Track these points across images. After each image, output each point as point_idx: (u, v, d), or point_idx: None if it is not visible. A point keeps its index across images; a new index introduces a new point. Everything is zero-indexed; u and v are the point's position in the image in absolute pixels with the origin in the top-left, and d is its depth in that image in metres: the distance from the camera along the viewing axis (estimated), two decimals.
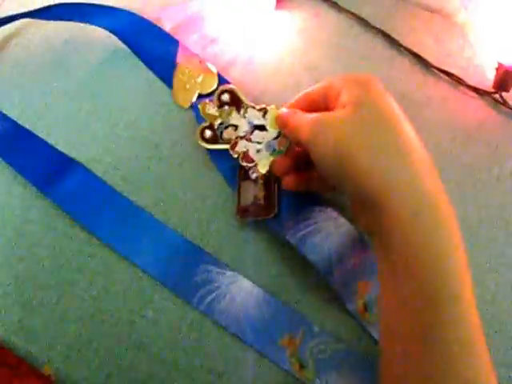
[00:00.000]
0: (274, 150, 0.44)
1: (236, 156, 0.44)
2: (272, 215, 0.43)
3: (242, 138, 0.45)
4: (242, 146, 0.44)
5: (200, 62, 0.50)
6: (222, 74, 0.50)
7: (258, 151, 0.44)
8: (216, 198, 0.46)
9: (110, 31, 0.52)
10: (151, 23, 0.52)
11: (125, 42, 0.52)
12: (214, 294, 0.43)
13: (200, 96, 0.49)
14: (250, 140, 0.44)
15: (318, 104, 0.39)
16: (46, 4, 0.52)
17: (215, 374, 0.41)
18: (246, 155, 0.44)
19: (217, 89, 0.46)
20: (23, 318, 0.43)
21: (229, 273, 0.44)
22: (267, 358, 0.41)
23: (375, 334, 0.42)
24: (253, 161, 0.44)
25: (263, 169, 0.44)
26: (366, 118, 0.35)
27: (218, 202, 0.46)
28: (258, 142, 0.44)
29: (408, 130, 0.36)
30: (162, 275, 0.44)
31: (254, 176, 0.45)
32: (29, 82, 0.52)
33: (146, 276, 0.44)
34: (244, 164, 0.44)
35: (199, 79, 0.50)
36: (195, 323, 0.42)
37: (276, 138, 0.44)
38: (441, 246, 0.33)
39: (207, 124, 0.45)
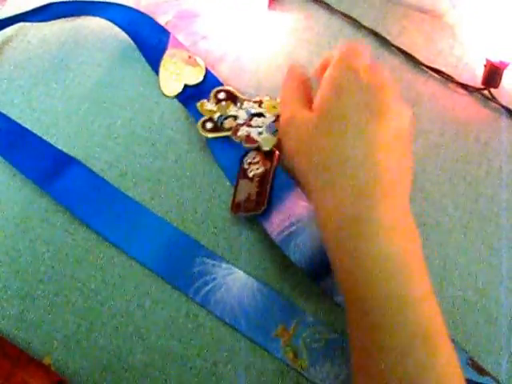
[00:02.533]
0: (276, 130, 0.45)
1: (239, 140, 0.45)
2: (260, 211, 0.44)
3: (242, 124, 0.46)
4: (243, 131, 0.46)
5: (189, 55, 0.51)
6: (212, 70, 0.51)
7: (260, 133, 0.45)
8: (211, 193, 0.48)
9: (108, 20, 0.53)
10: (145, 14, 0.54)
11: (123, 29, 0.53)
12: (210, 286, 0.44)
13: (186, 86, 0.51)
14: (250, 125, 0.46)
15: None
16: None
17: (210, 362, 0.42)
18: (248, 138, 0.45)
19: (203, 81, 0.47)
20: (24, 310, 0.44)
21: (224, 265, 0.45)
22: (261, 348, 0.42)
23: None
24: (256, 141, 0.45)
25: (267, 146, 0.44)
26: (326, 131, 0.35)
27: (214, 196, 0.47)
28: (259, 126, 0.45)
29: (383, 159, 0.34)
30: (159, 268, 0.45)
31: (251, 174, 0.46)
32: (28, 84, 0.53)
33: (143, 268, 0.45)
34: (248, 146, 0.45)
35: (186, 70, 0.51)
36: (191, 314, 0.43)
37: (275, 120, 0.45)
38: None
39: (206, 118, 0.46)
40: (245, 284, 0.44)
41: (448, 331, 0.39)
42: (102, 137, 0.50)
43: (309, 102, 0.39)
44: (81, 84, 0.52)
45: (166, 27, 0.53)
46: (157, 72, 0.52)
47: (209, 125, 0.46)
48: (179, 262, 0.45)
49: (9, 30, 0.55)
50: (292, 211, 0.43)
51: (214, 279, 0.44)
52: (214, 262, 0.45)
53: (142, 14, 0.54)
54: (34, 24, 0.56)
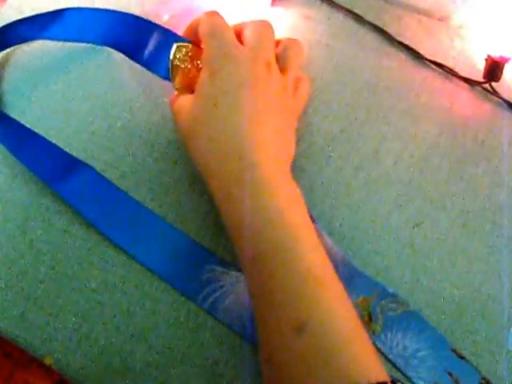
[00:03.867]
0: None
1: None
2: None
3: None
4: None
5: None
6: None
7: None
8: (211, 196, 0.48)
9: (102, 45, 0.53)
10: (142, 20, 0.53)
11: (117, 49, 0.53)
12: (218, 293, 0.44)
13: None
14: None
15: None
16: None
17: (210, 361, 0.42)
18: None
19: None
20: (25, 311, 0.44)
21: (233, 272, 0.45)
22: None
23: (381, 346, 0.43)
24: None
25: None
26: (203, 112, 0.41)
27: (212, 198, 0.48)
28: None
29: (259, 128, 0.40)
30: (168, 274, 0.45)
31: None
32: (28, 86, 0.53)
33: (143, 269, 0.45)
34: None
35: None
36: (191, 313, 0.43)
37: None
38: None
39: None
40: None
41: (448, 329, 0.40)
42: (101, 138, 0.50)
43: None
44: (80, 85, 0.52)
45: (170, 24, 0.52)
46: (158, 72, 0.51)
47: None
48: (188, 269, 0.45)
49: None
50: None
51: (222, 287, 0.44)
52: (223, 269, 0.45)
53: (138, 20, 0.53)
54: None
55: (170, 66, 0.45)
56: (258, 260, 0.37)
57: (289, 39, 0.46)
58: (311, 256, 0.37)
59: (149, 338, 0.43)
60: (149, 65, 0.49)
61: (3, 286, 0.45)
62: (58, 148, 0.49)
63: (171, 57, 0.45)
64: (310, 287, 0.35)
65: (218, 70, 0.41)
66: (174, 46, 0.45)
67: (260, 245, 0.37)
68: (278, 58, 0.44)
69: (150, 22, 0.50)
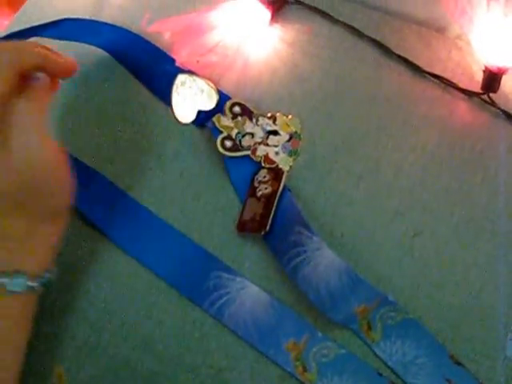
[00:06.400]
0: (290, 150, 0.49)
1: (258, 160, 0.49)
2: (263, 232, 0.45)
3: (259, 143, 0.48)
4: (261, 150, 0.49)
5: (200, 79, 0.53)
6: (217, 84, 0.53)
7: (277, 153, 0.49)
8: (215, 206, 0.49)
9: (110, 52, 0.55)
10: (149, 43, 0.55)
11: (122, 62, 0.55)
12: (224, 299, 0.45)
13: (200, 112, 0.52)
14: (267, 144, 0.49)
15: None
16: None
17: (216, 369, 0.43)
18: (267, 158, 0.49)
19: (217, 105, 0.49)
20: (36, 321, 0.45)
21: (238, 279, 0.46)
22: (272, 361, 0.43)
23: (380, 353, 0.44)
24: (274, 162, 0.49)
25: (286, 166, 0.48)
26: None
27: (219, 209, 0.49)
28: (275, 146, 0.49)
29: None
30: (175, 281, 0.46)
31: (259, 194, 0.48)
32: None
33: (150, 279, 0.46)
34: (267, 166, 0.49)
35: (199, 96, 0.52)
36: (197, 322, 0.45)
37: (289, 140, 0.49)
38: None
39: (225, 135, 0.49)
40: (258, 298, 0.45)
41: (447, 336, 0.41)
42: (108, 150, 0.51)
43: None
44: (88, 99, 0.54)
45: (172, 42, 0.54)
46: (163, 99, 0.53)
47: (228, 143, 0.49)
48: (195, 276, 0.46)
49: None
50: (298, 240, 0.44)
51: (228, 293, 0.45)
52: (229, 275, 0.46)
53: (145, 42, 0.55)
54: (40, 41, 0.57)
55: None
56: None
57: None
58: None
59: (156, 347, 0.44)
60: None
61: None
62: (74, 158, 0.50)
63: None
64: None
65: None
66: None
67: None
68: None
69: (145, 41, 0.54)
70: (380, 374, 0.43)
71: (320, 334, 0.44)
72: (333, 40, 0.56)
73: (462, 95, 0.54)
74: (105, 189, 0.49)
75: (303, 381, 0.43)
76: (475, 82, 0.54)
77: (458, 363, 0.43)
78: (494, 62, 0.51)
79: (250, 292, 0.45)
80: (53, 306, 0.46)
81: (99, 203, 0.49)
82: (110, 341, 0.44)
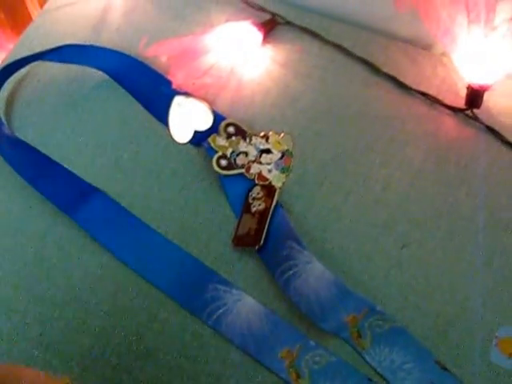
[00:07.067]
0: (283, 167, 0.51)
1: (252, 177, 0.51)
2: (257, 247, 0.48)
3: (253, 161, 0.51)
4: (255, 168, 0.52)
5: (195, 100, 0.55)
6: (212, 104, 0.56)
7: (270, 171, 0.51)
8: (212, 221, 0.52)
9: (109, 75, 0.58)
10: (146, 66, 0.58)
11: (121, 84, 0.57)
12: (221, 310, 0.47)
13: (196, 132, 0.54)
14: (260, 163, 0.51)
15: None
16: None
17: (214, 377, 0.46)
18: (260, 175, 0.51)
19: (212, 126, 0.52)
20: (43, 332, 0.48)
21: (235, 291, 0.48)
22: (267, 368, 0.46)
23: (370, 360, 0.46)
24: (267, 179, 0.51)
25: (279, 183, 0.51)
26: None
27: (214, 224, 0.51)
28: (268, 163, 0.51)
29: None
30: (175, 293, 0.49)
31: (253, 210, 0.50)
32: (39, 120, 0.57)
33: (152, 291, 0.49)
34: (260, 183, 0.51)
35: (195, 117, 0.55)
36: (196, 333, 0.47)
37: (281, 157, 0.52)
38: None
39: (220, 154, 0.52)
40: (253, 309, 0.48)
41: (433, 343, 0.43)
42: (110, 169, 0.54)
43: None
44: (89, 120, 0.56)
45: (168, 65, 0.57)
46: (160, 120, 0.56)
47: (223, 162, 0.52)
48: (193, 288, 0.49)
49: (21, 70, 0.59)
50: (290, 254, 0.47)
51: (225, 304, 0.48)
52: (226, 288, 0.48)
53: (143, 66, 0.58)
54: (44, 63, 0.60)
55: None
56: None
57: None
58: None
59: (157, 356, 0.46)
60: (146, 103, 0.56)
61: (22, 309, 0.49)
62: (74, 174, 0.53)
63: None
64: None
65: None
66: None
67: None
68: None
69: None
70: (370, 380, 0.45)
71: (312, 343, 0.46)
72: (323, 59, 0.59)
73: (447, 111, 0.57)
74: (107, 206, 0.52)
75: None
76: (460, 98, 0.56)
77: (444, 368, 0.45)
78: (476, 80, 0.54)
79: (245, 303, 0.48)
80: (59, 318, 0.48)
81: (101, 220, 0.51)
82: (114, 351, 0.47)
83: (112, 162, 0.54)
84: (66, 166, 0.54)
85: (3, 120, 0.56)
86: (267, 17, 0.61)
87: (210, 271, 0.49)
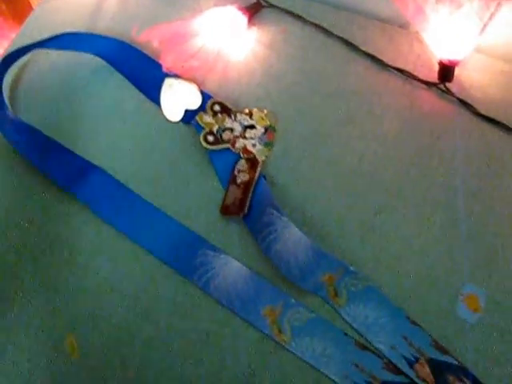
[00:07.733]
0: (266, 142, 0.56)
1: (237, 151, 0.55)
2: (242, 215, 0.53)
3: (238, 137, 0.55)
4: (240, 143, 0.56)
5: (185, 81, 0.59)
6: (201, 85, 0.60)
7: (254, 145, 0.55)
8: (202, 193, 0.56)
9: (105, 60, 0.62)
10: (141, 52, 0.62)
11: (117, 69, 0.62)
12: (209, 273, 0.52)
13: (187, 111, 0.59)
14: (244, 137, 0.56)
15: None
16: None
17: (204, 333, 0.50)
18: (245, 149, 0.55)
19: (201, 105, 0.56)
20: (48, 298, 0.52)
21: (222, 256, 0.53)
22: (252, 325, 0.50)
23: (346, 316, 0.50)
24: (251, 153, 0.55)
25: (262, 156, 0.55)
26: None
27: (203, 195, 0.56)
28: (252, 138, 0.55)
29: None
30: (169, 258, 0.53)
31: (239, 181, 0.55)
32: (42, 107, 0.62)
33: (147, 258, 0.53)
34: (245, 157, 0.55)
35: (185, 96, 0.59)
36: (188, 295, 0.52)
37: (264, 132, 0.56)
38: None
39: (207, 130, 0.56)
40: (239, 272, 0.52)
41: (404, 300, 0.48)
42: (108, 147, 0.58)
43: None
44: (87, 102, 0.61)
45: (159, 48, 0.60)
46: (154, 100, 0.60)
47: (210, 138, 0.56)
48: (186, 253, 0.53)
49: (23, 58, 0.64)
50: (270, 221, 0.51)
51: (214, 268, 0.52)
52: (214, 253, 0.53)
53: (136, 51, 0.62)
54: (44, 51, 0.64)
55: None
56: None
57: None
58: None
59: (153, 316, 0.51)
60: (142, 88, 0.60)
61: (29, 277, 0.54)
62: (74, 153, 0.58)
63: None
64: None
65: None
66: None
67: None
68: None
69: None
70: (346, 334, 0.50)
71: (293, 301, 0.51)
72: (304, 39, 0.63)
73: (422, 85, 0.60)
74: (105, 182, 0.57)
75: (279, 341, 0.49)
76: (434, 73, 0.59)
77: (414, 323, 0.49)
78: (446, 56, 0.57)
79: (232, 267, 0.52)
80: (63, 283, 0.53)
81: (100, 195, 0.56)
82: (113, 312, 0.51)
83: (110, 142, 0.59)
84: (66, 146, 0.59)
85: (7, 104, 0.61)
86: (253, 1, 0.65)
87: (200, 238, 0.54)
